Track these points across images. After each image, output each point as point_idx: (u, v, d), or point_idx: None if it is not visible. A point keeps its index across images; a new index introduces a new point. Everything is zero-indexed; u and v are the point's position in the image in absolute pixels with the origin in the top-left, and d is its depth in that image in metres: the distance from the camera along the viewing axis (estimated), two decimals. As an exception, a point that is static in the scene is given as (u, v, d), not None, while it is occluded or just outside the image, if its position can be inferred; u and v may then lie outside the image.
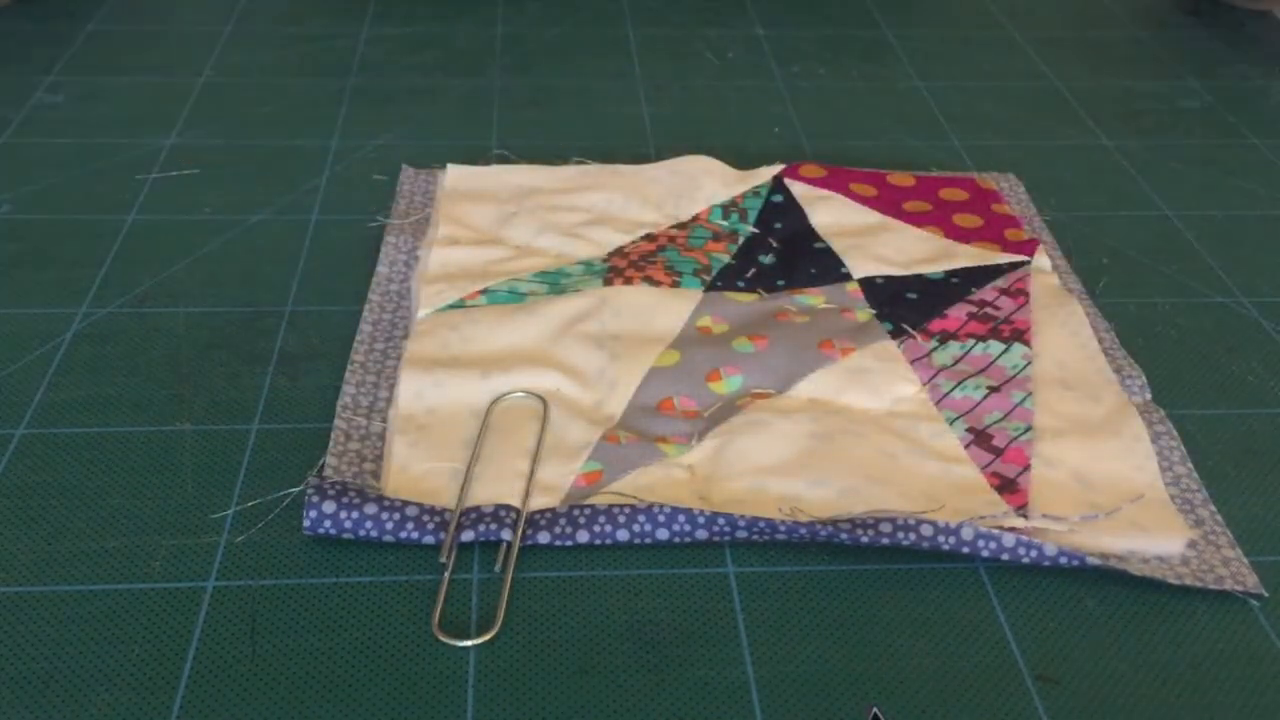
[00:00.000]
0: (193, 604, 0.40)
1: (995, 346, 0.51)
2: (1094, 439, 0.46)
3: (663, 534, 0.42)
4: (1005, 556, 0.41)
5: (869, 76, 0.76)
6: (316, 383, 0.49)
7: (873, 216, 0.59)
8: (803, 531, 0.41)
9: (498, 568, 0.41)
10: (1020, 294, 0.54)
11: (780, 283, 0.54)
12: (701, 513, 0.42)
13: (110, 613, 0.39)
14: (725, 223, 0.58)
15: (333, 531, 0.41)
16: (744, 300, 0.53)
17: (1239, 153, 0.69)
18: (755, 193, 0.60)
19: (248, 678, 0.38)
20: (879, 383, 0.48)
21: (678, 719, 0.37)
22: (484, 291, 0.52)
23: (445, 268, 0.54)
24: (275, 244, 0.58)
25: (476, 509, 0.42)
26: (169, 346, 0.51)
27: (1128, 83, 0.77)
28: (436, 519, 0.42)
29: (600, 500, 0.43)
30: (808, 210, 0.59)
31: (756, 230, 0.58)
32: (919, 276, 0.55)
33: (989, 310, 0.53)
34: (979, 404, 0.48)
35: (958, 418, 0.47)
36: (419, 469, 0.44)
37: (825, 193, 0.60)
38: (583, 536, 0.42)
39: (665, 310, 0.51)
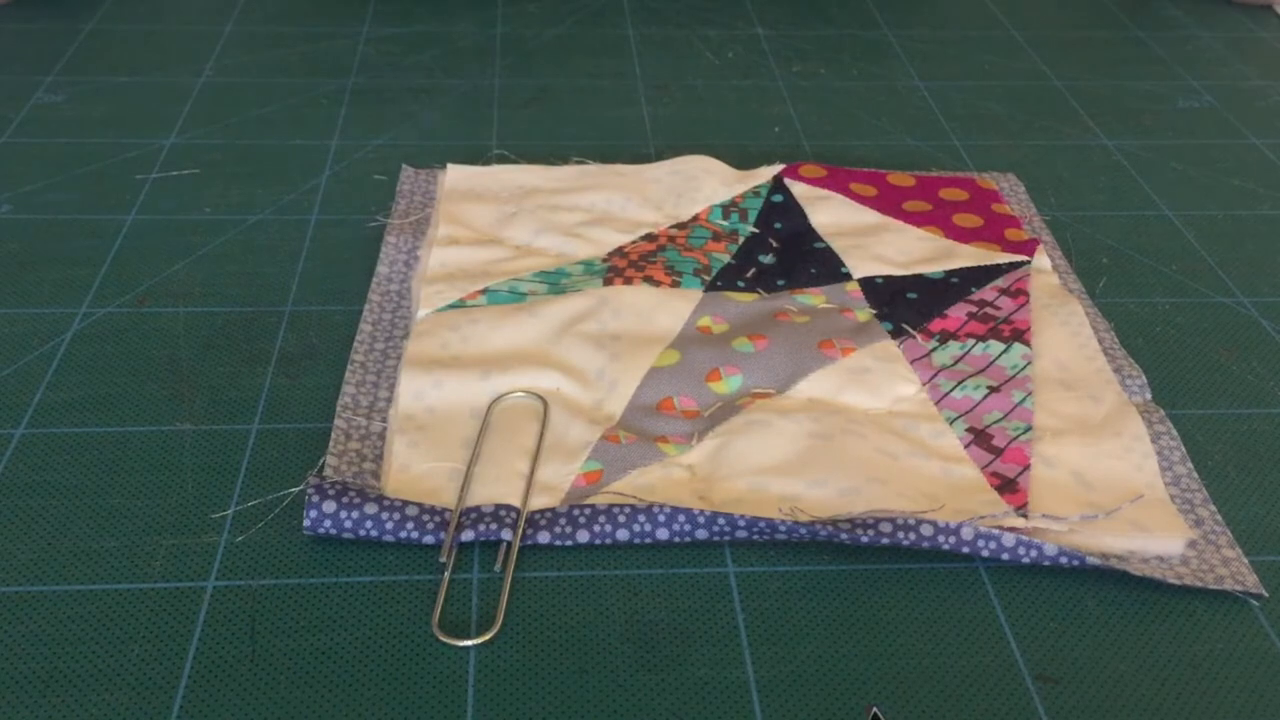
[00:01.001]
0: (193, 604, 0.40)
1: (995, 346, 0.51)
2: (1094, 439, 0.46)
3: (663, 534, 0.42)
4: (1005, 556, 0.41)
5: (869, 76, 0.76)
6: (316, 383, 0.49)
7: (873, 216, 0.59)
8: (803, 531, 0.41)
9: (498, 567, 0.41)
10: (1020, 294, 0.54)
11: (780, 282, 0.54)
12: (701, 513, 0.42)
13: (110, 613, 0.39)
14: (725, 223, 0.58)
15: (333, 531, 0.41)
16: (744, 300, 0.53)
17: (1239, 153, 0.69)
18: (755, 193, 0.60)
19: (248, 678, 0.38)
20: (879, 382, 0.48)
21: (678, 719, 0.37)
22: (484, 291, 0.52)
23: (445, 267, 0.54)
24: (275, 244, 0.58)
25: (476, 509, 0.42)
26: (169, 346, 0.51)
27: (1128, 83, 0.77)
28: (436, 519, 0.42)
29: (600, 500, 0.43)
30: (808, 210, 0.59)
31: (756, 230, 0.58)
32: (919, 276, 0.55)
33: (989, 310, 0.53)
34: (979, 404, 0.48)
35: (958, 417, 0.47)
36: (419, 469, 0.44)
37: (825, 192, 0.60)
38: (583, 536, 0.42)
39: (665, 310, 0.51)
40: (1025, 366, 0.50)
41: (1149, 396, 0.49)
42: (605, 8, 0.84)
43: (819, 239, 0.57)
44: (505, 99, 0.72)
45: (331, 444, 0.45)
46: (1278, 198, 0.65)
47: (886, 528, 0.41)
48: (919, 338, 0.51)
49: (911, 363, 0.50)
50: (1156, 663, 0.39)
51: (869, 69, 0.77)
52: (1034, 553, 0.41)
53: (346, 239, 0.58)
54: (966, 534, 0.41)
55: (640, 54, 0.78)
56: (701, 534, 0.42)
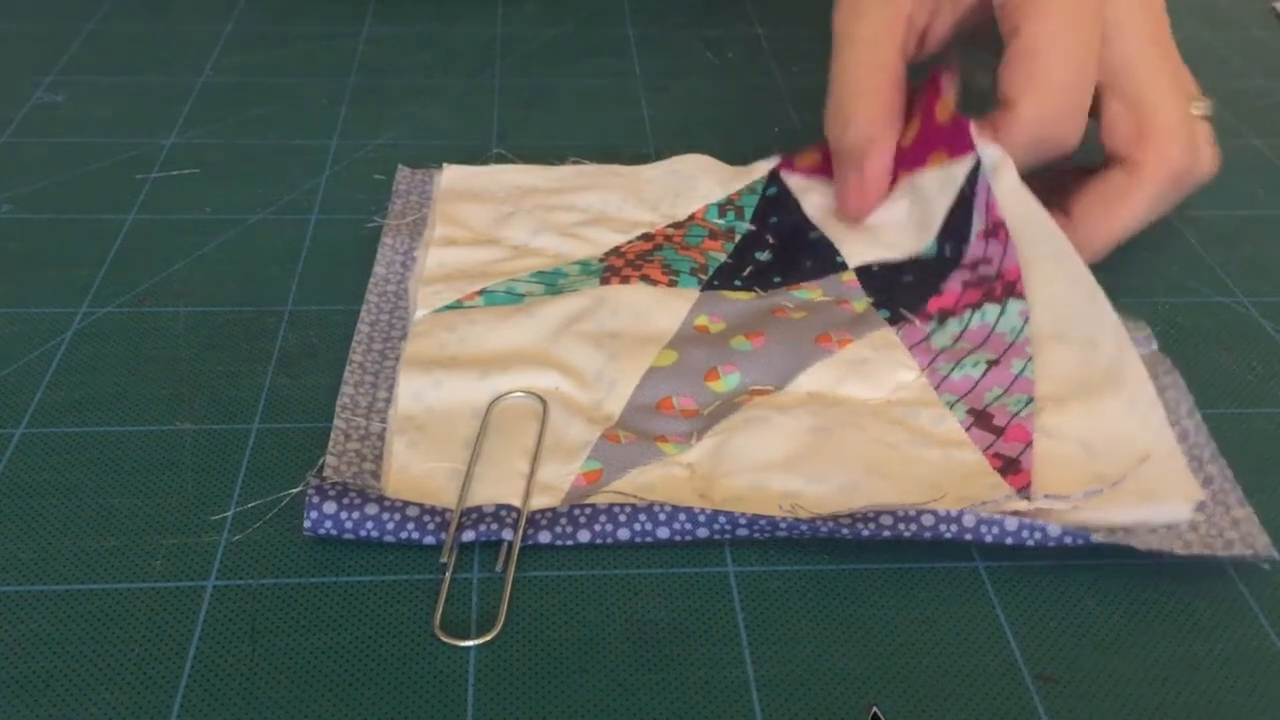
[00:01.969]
0: (193, 604, 0.40)
1: (991, 311, 0.50)
2: (1096, 398, 0.46)
3: (663, 532, 0.42)
4: (1009, 540, 0.41)
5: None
6: (316, 383, 0.49)
7: None
8: (803, 528, 0.41)
9: (499, 568, 0.41)
10: (998, 228, 0.53)
11: (777, 279, 0.54)
12: (702, 511, 0.42)
13: (110, 613, 0.39)
14: (721, 221, 0.58)
15: (333, 532, 0.41)
16: (741, 299, 0.53)
17: (1239, 153, 0.69)
18: (751, 189, 0.60)
19: (248, 678, 0.38)
20: (878, 372, 0.48)
21: (678, 719, 0.37)
22: (481, 293, 0.52)
23: (442, 268, 0.54)
24: (275, 244, 0.58)
25: (477, 509, 0.42)
26: (169, 346, 0.51)
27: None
28: (437, 519, 0.42)
29: (601, 499, 0.43)
30: (801, 200, 0.59)
31: (753, 227, 0.58)
32: (915, 260, 0.55)
33: (981, 270, 0.52)
34: (979, 382, 0.48)
35: (957, 400, 0.47)
36: (419, 469, 0.44)
37: (818, 180, 0.60)
38: (584, 536, 0.42)
39: (662, 309, 0.51)
40: (1024, 327, 0.49)
41: (1155, 347, 0.49)
42: (605, 8, 0.84)
43: (813, 228, 0.57)
44: (505, 99, 0.72)
45: (331, 444, 0.45)
46: (1278, 198, 0.65)
47: (887, 520, 0.41)
48: (917, 321, 0.51)
49: (910, 348, 0.50)
50: (1156, 663, 0.39)
51: (869, 69, 0.77)
52: (1038, 535, 0.41)
53: (346, 239, 0.58)
54: (968, 521, 0.41)
55: (640, 54, 0.78)
56: (702, 532, 0.42)
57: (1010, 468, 0.44)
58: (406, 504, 0.42)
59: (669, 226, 0.58)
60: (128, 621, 0.39)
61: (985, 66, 0.57)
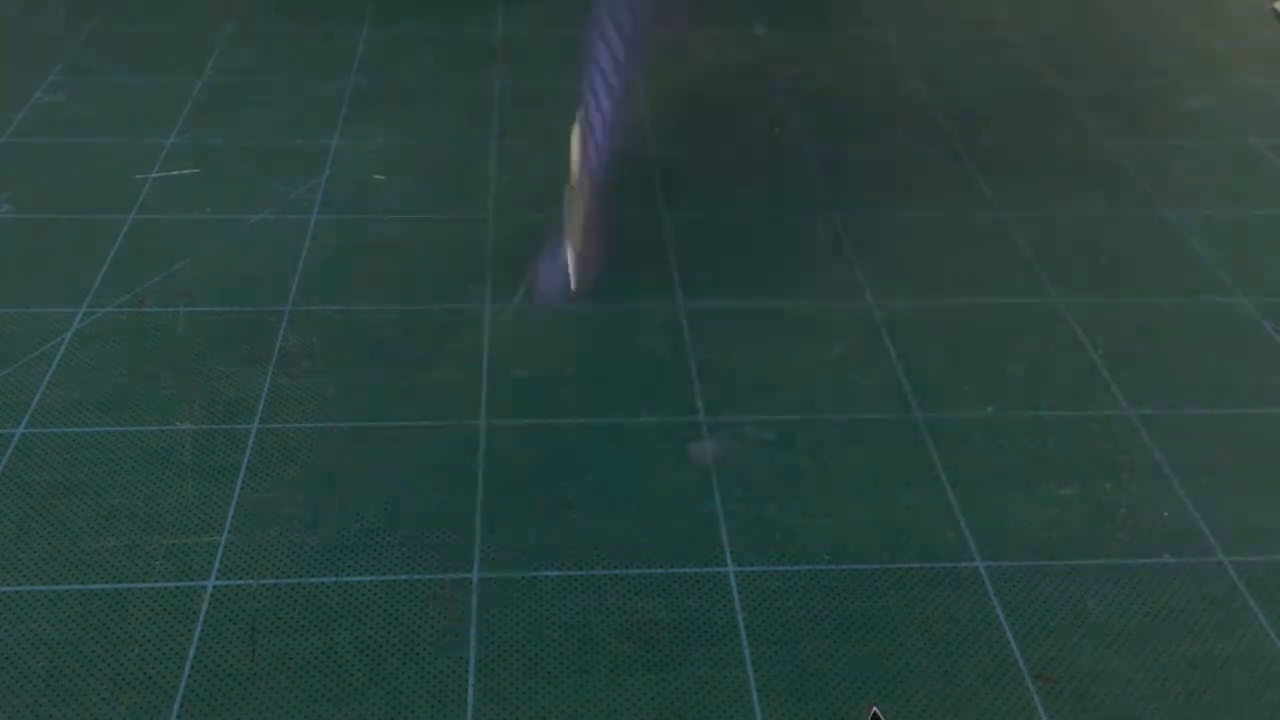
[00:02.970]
0: (193, 604, 0.40)
1: None
2: None
3: None
4: None
5: (870, 76, 0.76)
6: (316, 383, 0.49)
7: None
8: None
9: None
10: None
11: None
12: None
13: (110, 613, 0.39)
14: None
15: None
16: None
17: (1239, 153, 0.69)
18: None
19: (248, 678, 0.38)
20: None
21: (677, 719, 0.37)
22: None
23: None
24: (275, 244, 0.58)
25: None
26: (169, 346, 0.51)
27: (1128, 82, 0.77)
28: None
29: None
30: None
31: None
32: None
33: None
34: None
35: None
36: None
37: None
38: None
39: None
40: None
41: None
42: (605, 8, 0.84)
43: None
44: (505, 99, 0.72)
45: None
46: (1278, 198, 0.65)
47: None
48: None
49: None
50: (1156, 663, 0.39)
51: (869, 69, 0.77)
52: None
53: (346, 239, 0.58)
54: None
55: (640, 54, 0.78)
56: None
57: None
58: None
59: None
60: (128, 621, 0.39)
61: None
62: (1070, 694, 0.38)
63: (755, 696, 0.37)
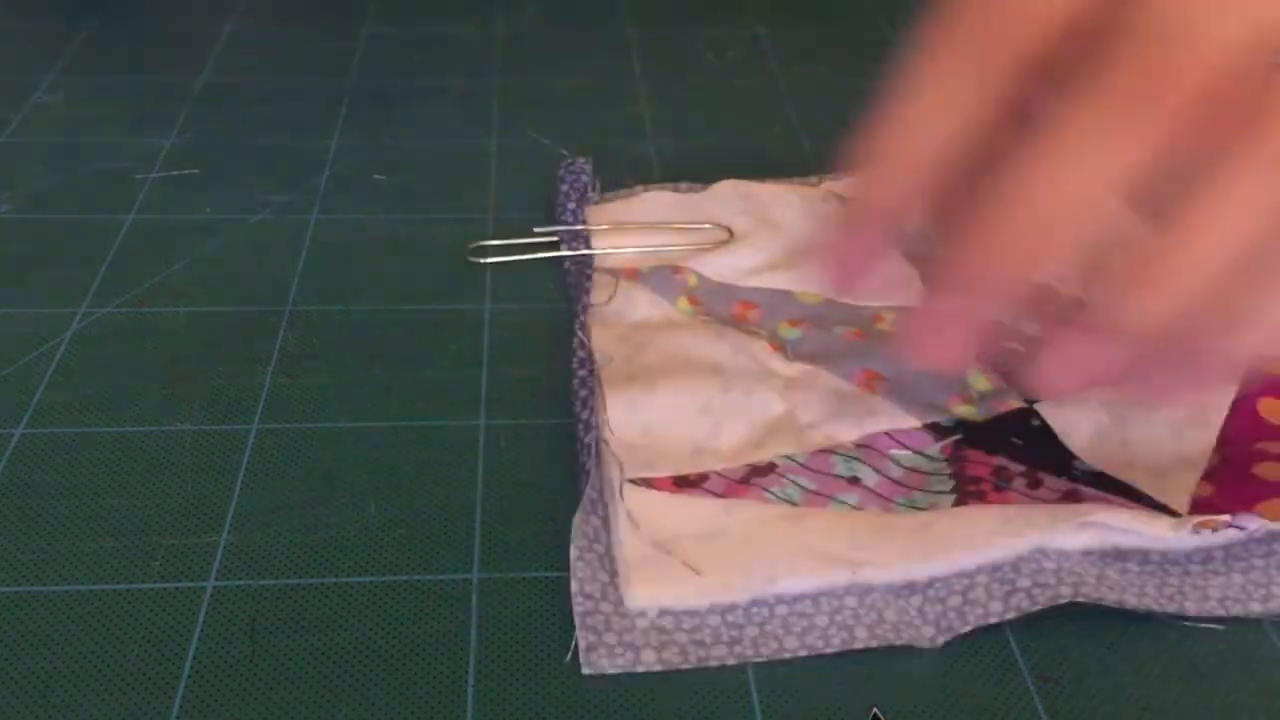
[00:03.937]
0: (193, 604, 0.40)
1: None
2: None
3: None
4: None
5: (870, 76, 0.76)
6: (316, 382, 0.49)
7: None
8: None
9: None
10: None
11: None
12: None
13: (110, 613, 0.39)
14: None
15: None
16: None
17: (1239, 153, 0.69)
18: None
19: (248, 678, 0.38)
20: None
21: (678, 719, 0.37)
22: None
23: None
24: (275, 244, 0.58)
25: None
26: (169, 346, 0.51)
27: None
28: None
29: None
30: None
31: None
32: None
33: None
34: None
35: None
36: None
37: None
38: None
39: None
40: None
41: None
42: (605, 8, 0.84)
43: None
44: (505, 99, 0.72)
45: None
46: (1278, 198, 0.65)
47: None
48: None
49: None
50: (1156, 663, 0.39)
51: (870, 69, 0.77)
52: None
53: (346, 239, 0.58)
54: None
55: (640, 54, 0.78)
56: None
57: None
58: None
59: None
60: (127, 622, 0.39)
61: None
62: (1071, 694, 0.38)
63: (755, 696, 0.37)
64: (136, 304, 0.53)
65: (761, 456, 0.45)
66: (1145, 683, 0.38)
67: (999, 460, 0.45)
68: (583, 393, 0.47)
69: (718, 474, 0.44)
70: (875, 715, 0.37)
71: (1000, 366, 0.48)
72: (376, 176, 0.63)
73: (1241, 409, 0.46)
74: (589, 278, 0.54)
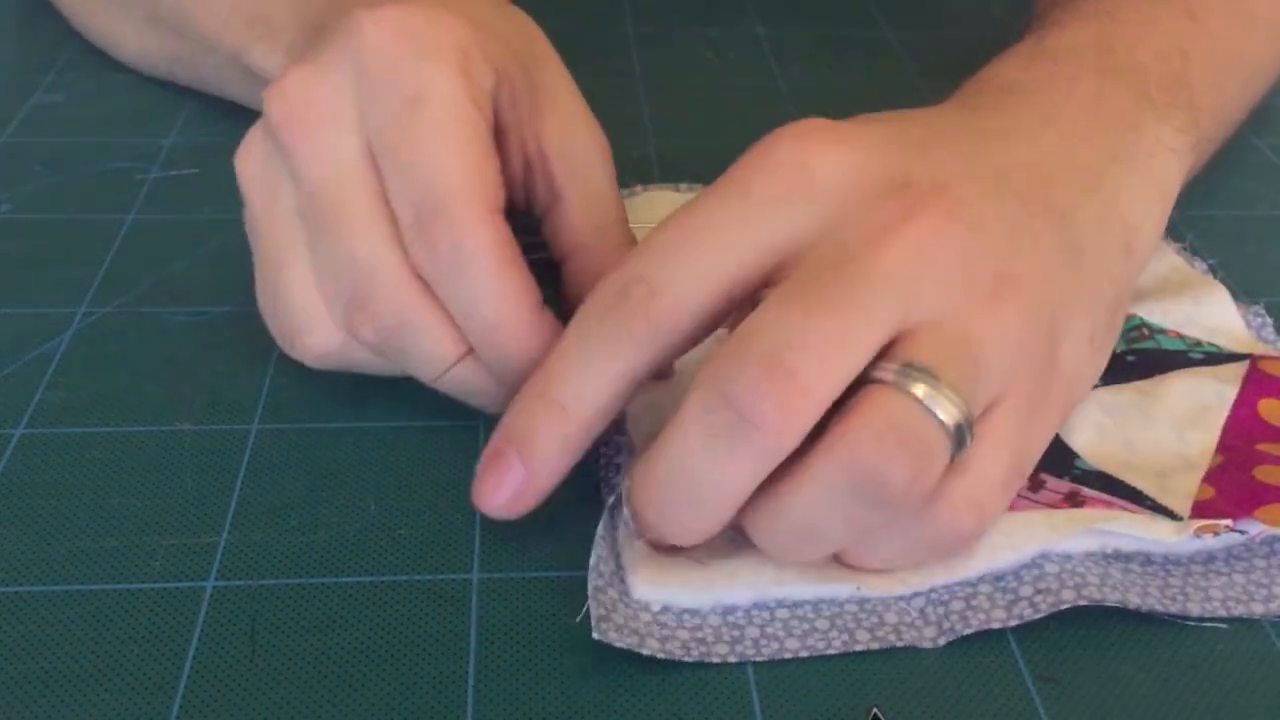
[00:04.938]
0: (193, 604, 0.40)
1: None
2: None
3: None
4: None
5: (869, 76, 0.76)
6: (316, 383, 0.49)
7: None
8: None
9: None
10: None
11: None
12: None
13: (110, 613, 0.39)
14: None
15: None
16: None
17: (1239, 153, 0.69)
18: None
19: (248, 678, 0.38)
20: None
21: (678, 719, 0.37)
22: None
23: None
24: (275, 244, 0.57)
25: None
26: (169, 346, 0.51)
27: (1128, 83, 0.77)
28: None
29: None
30: None
31: None
32: None
33: None
34: None
35: None
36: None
37: None
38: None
39: None
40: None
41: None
42: (605, 8, 0.84)
43: None
44: (505, 99, 0.72)
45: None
46: (1278, 198, 0.65)
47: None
48: None
49: None
50: (1157, 663, 0.39)
51: (870, 69, 0.77)
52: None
53: (346, 239, 0.58)
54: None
55: (640, 54, 0.78)
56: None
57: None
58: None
59: None
60: (127, 622, 0.39)
61: None
62: (1071, 695, 0.38)
63: (755, 696, 0.37)
64: (136, 304, 0.53)
65: None
66: (1145, 683, 0.38)
67: None
68: None
69: None
70: (875, 715, 0.37)
71: None
72: (376, 176, 0.63)
73: (1242, 410, 0.46)
74: None
